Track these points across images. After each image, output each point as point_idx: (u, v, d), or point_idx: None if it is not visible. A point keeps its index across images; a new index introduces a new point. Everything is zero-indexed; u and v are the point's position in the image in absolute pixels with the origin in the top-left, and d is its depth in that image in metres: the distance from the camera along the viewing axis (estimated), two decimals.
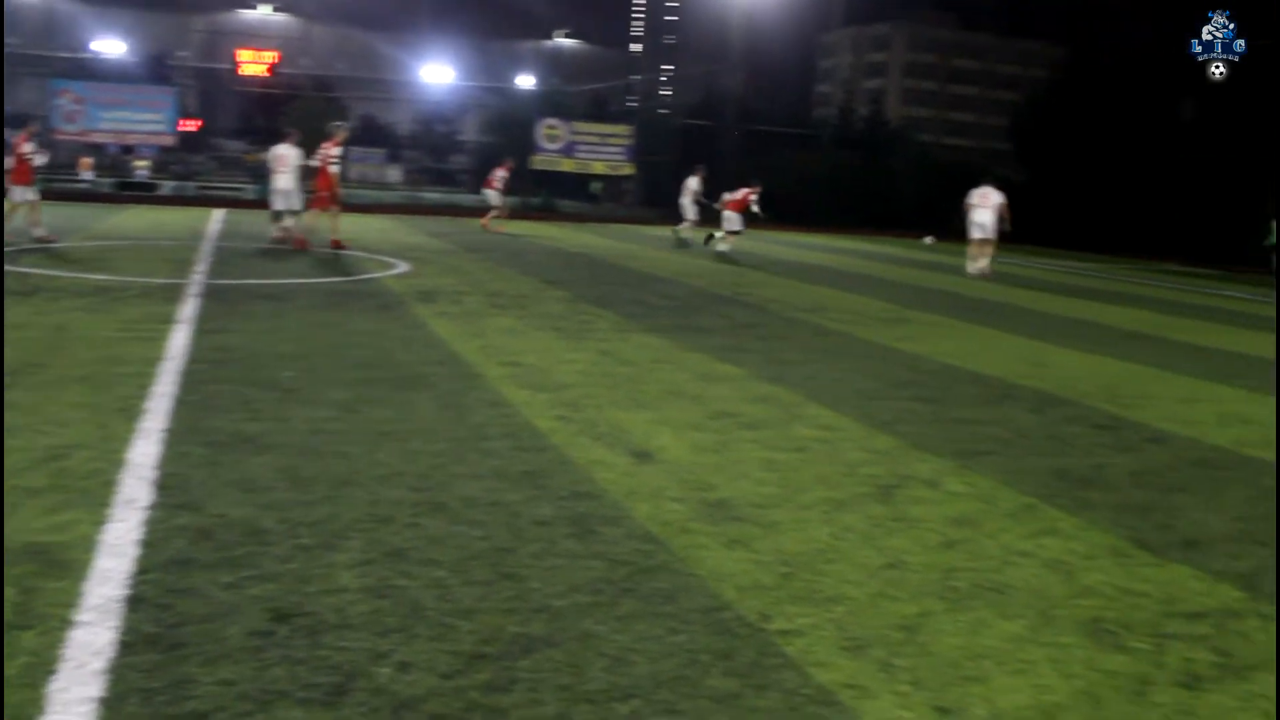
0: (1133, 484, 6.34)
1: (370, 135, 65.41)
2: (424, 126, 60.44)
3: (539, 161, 35.03)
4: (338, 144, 18.67)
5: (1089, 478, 6.40)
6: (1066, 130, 38.28)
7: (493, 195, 28.04)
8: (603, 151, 35.06)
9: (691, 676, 3.53)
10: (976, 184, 22.61)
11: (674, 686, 3.45)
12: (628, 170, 35.65)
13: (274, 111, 47.03)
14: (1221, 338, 14.09)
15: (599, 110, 48.17)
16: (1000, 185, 22.60)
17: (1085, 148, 36.69)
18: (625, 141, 35.18)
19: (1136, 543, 5.25)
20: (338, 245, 18.39)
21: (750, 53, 42.56)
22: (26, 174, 16.82)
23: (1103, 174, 35.97)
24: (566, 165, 35.11)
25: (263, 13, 39.49)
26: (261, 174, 26.91)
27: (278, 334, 9.52)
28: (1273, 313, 18.35)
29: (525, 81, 57.18)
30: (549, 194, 37.86)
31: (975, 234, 22.07)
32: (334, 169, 18.53)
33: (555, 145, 34.87)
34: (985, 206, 21.85)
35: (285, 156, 19.24)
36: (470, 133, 52.93)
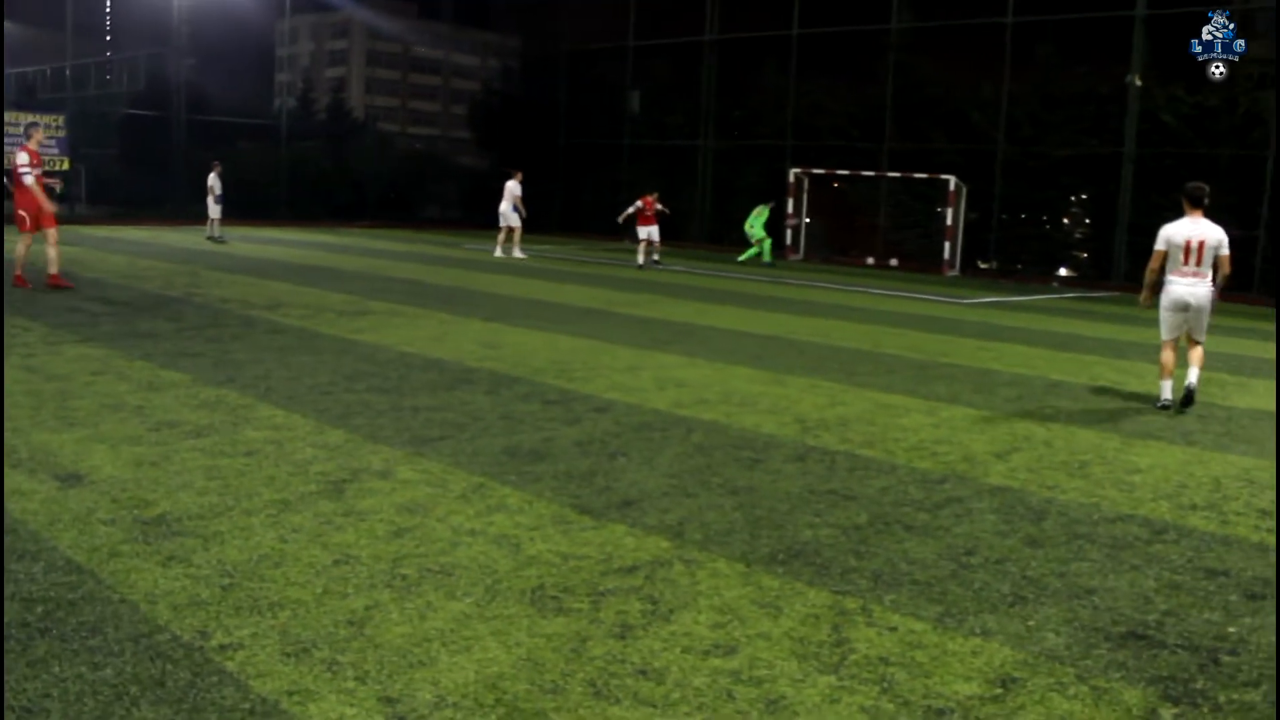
0: (578, 453, 6.73)
1: None
2: None
3: None
4: (28, 149, 14.16)
5: (538, 451, 6.71)
6: (522, 118, 39.94)
7: None
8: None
9: (117, 713, 3.29)
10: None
11: None
12: (63, 165, 32.58)
13: None
14: (662, 309, 15.32)
15: (27, 98, 43.62)
16: (511, 177, 25.41)
17: (540, 135, 38.47)
18: (58, 133, 32.09)
19: (579, 509, 5.58)
20: (55, 283, 14.22)
21: (200, 38, 40.38)
22: None
23: (558, 160, 37.90)
24: None
25: None
26: None
27: None
28: (711, 282, 20.27)
29: None
30: None
31: (502, 223, 25.25)
32: (28, 179, 14.05)
33: None
34: (505, 198, 25.06)
35: None
36: None
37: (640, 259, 24.02)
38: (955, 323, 15.63)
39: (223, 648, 3.76)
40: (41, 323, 11.17)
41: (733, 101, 34.11)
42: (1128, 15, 24.87)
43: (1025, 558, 5.16)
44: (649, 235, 24.17)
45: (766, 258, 26.36)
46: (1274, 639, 4.30)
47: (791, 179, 29.07)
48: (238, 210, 34.81)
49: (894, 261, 28.27)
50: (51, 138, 31.91)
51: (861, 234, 29.75)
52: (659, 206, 24.52)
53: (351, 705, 3.41)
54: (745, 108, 33.67)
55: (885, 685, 3.74)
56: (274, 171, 36.69)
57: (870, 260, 28.71)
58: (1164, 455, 7.55)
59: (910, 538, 5.38)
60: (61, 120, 32.70)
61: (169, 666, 3.60)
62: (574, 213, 37.50)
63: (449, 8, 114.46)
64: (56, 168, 32.67)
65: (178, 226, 30.84)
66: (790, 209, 28.98)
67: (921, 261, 27.59)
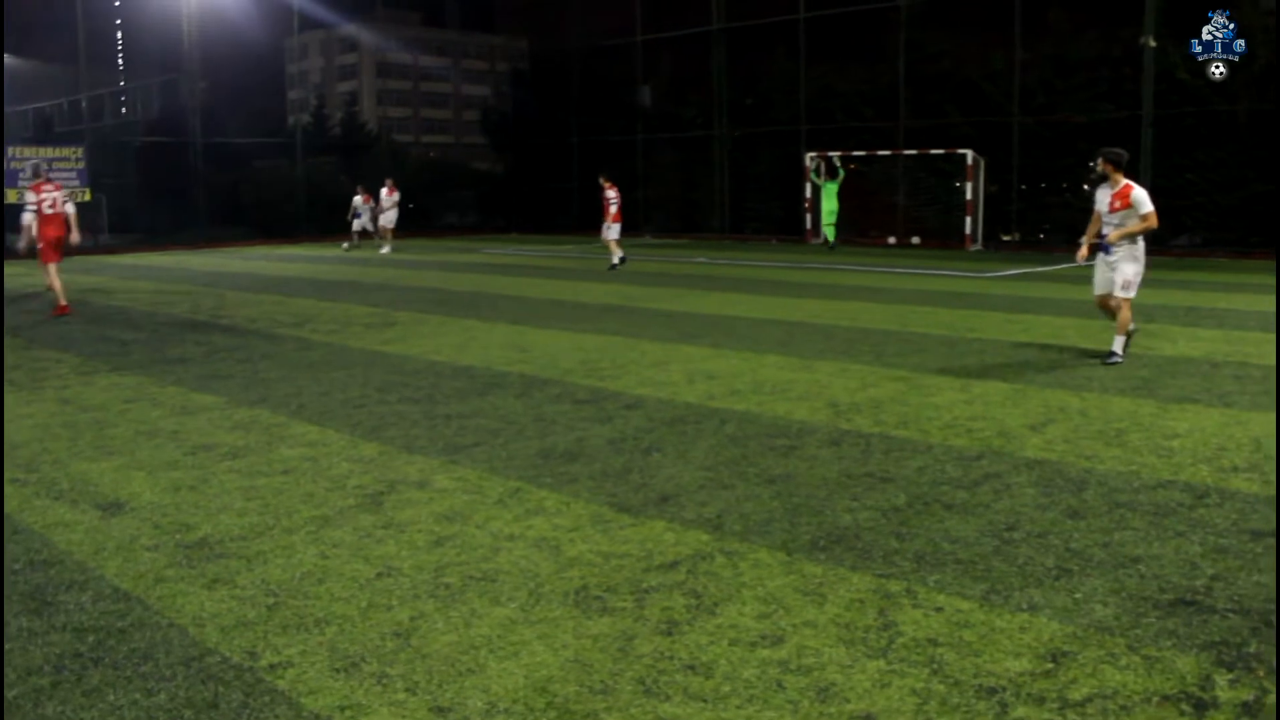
0: (613, 451, 6.73)
1: None
2: None
3: None
4: (40, 189, 15.09)
5: (572, 452, 6.71)
6: (534, 120, 39.96)
7: None
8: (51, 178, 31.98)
9: None
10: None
11: None
12: (84, 196, 32.82)
13: None
14: (686, 301, 15.30)
15: (45, 132, 43.95)
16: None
17: (552, 135, 38.48)
18: (77, 165, 32.33)
19: (616, 507, 5.58)
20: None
21: (211, 61, 40.58)
22: None
23: (573, 159, 37.88)
24: (10, 196, 31.68)
25: None
26: None
27: None
28: (734, 271, 20.23)
29: None
30: None
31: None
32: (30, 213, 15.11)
33: None
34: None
35: None
36: None
37: (615, 259, 21.70)
38: (982, 297, 15.54)
39: (272, 667, 3.78)
40: (73, 353, 11.26)
41: (745, 89, 33.99)
42: None
43: (1068, 530, 5.12)
44: (607, 233, 21.50)
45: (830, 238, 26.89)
46: None
47: (808, 162, 28.96)
48: (257, 229, 34.98)
49: (915, 239, 28.11)
50: (71, 170, 32.21)
51: (881, 214, 29.58)
52: (614, 194, 21.46)
53: (403, 717, 3.42)
54: (757, 94, 33.54)
55: (935, 666, 3.72)
56: (291, 189, 36.80)
57: (891, 240, 28.56)
58: (1201, 418, 7.49)
59: (950, 516, 5.35)
60: (80, 152, 32.92)
61: (221, 689, 3.62)
62: (592, 211, 37.38)
63: (454, 14, 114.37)
64: (78, 199, 32.95)
65: (200, 250, 31.06)
66: (809, 193, 28.91)
67: (943, 238, 27.43)
